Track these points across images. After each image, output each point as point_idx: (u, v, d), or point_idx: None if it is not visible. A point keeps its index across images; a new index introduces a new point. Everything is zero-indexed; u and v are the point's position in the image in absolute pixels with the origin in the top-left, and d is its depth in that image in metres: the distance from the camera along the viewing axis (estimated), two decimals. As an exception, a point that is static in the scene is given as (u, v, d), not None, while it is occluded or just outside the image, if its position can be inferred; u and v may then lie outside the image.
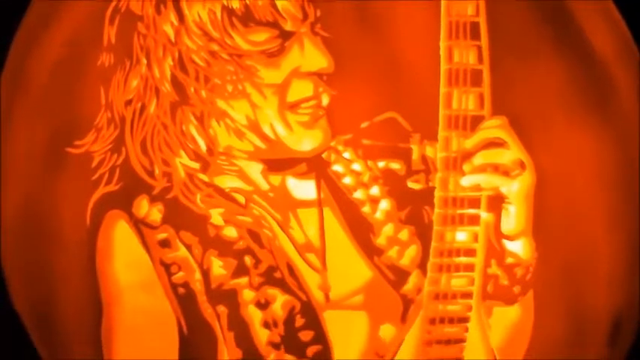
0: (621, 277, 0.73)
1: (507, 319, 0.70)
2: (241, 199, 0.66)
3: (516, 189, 0.68)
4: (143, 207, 0.66)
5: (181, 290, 0.67)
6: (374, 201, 0.67)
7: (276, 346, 0.67)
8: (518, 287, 0.69)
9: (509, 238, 0.68)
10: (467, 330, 0.69)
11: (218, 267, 0.66)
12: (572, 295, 0.71)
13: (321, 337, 0.67)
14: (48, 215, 0.69)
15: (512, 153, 0.67)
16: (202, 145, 0.66)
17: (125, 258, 0.67)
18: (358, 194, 0.67)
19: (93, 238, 0.67)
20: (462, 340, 0.69)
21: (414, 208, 0.67)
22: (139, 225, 0.66)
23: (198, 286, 0.66)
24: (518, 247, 0.69)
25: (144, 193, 0.66)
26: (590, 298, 0.72)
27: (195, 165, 0.66)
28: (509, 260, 0.69)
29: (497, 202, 0.68)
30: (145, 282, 0.66)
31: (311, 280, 0.67)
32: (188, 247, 0.66)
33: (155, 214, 0.66)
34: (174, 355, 0.68)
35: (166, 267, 0.66)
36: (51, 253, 0.69)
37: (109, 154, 0.67)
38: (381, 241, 0.67)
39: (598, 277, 0.72)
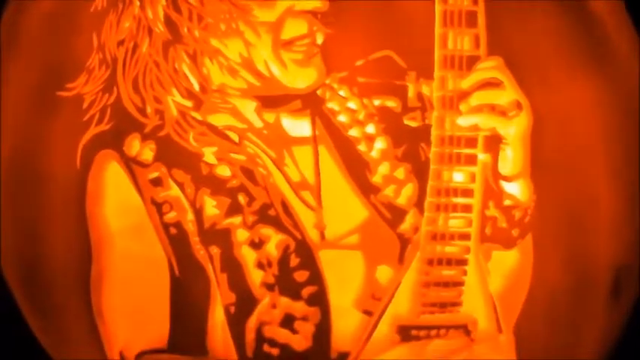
0: (622, 227, 0.68)
1: (506, 264, 0.64)
2: (235, 137, 0.61)
3: (513, 130, 0.62)
4: (135, 146, 0.61)
5: (173, 231, 0.61)
6: (369, 139, 0.61)
7: (270, 287, 0.61)
8: (517, 230, 0.63)
9: (507, 179, 0.63)
10: (465, 273, 0.63)
11: (211, 206, 0.60)
12: (572, 242, 0.65)
13: (316, 278, 0.61)
14: (39, 160, 0.64)
15: (508, 94, 0.62)
16: (195, 83, 0.61)
17: (116, 202, 0.61)
18: (354, 132, 0.61)
19: (83, 180, 0.62)
20: (460, 284, 0.63)
21: (410, 146, 0.61)
22: (131, 164, 0.61)
23: (190, 226, 0.60)
24: (516, 189, 0.63)
25: (135, 131, 0.61)
26: (590, 247, 0.66)
27: (188, 103, 0.61)
28: (507, 202, 0.63)
29: (494, 143, 0.63)
30: (136, 227, 0.61)
31: (306, 218, 0.61)
32: (180, 186, 0.61)
33: (147, 152, 0.61)
34: (165, 301, 0.61)
35: (158, 206, 0.61)
36: (41, 198, 0.64)
37: (100, 95, 0.62)
38: (377, 179, 0.61)
39: (598, 226, 0.66)
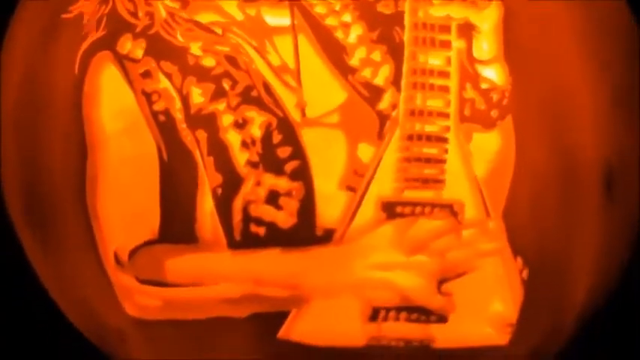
0: (607, 122, 0.62)
1: (488, 147, 0.59)
2: (219, 30, 0.58)
3: (485, 19, 0.58)
4: (127, 44, 0.59)
5: (162, 118, 0.57)
6: (346, 26, 0.58)
7: (254, 165, 0.56)
8: (496, 111, 0.58)
9: (482, 63, 0.58)
10: (446, 151, 0.57)
11: (197, 94, 0.57)
12: (554, 129, 0.60)
13: (299, 153, 0.56)
14: (44, 78, 0.61)
15: None
16: (182, -13, 0.58)
17: (111, 104, 0.58)
18: (330, 21, 0.58)
19: (80, 84, 0.58)
20: (441, 161, 0.57)
21: (385, 29, 0.58)
22: (123, 61, 0.58)
23: (178, 114, 0.56)
24: (492, 73, 0.59)
25: (128, 32, 0.59)
26: (574, 136, 0.60)
27: (175, 5, 0.58)
28: (485, 85, 0.58)
29: (467, 30, 0.58)
30: (130, 127, 0.57)
31: (287, 98, 0.57)
32: (168, 77, 0.57)
33: (138, 50, 0.59)
34: (155, 192, 0.57)
35: (147, 96, 0.58)
36: (43, 118, 0.60)
37: (97, 7, 0.59)
38: (354, 62, 0.57)
39: (580, 116, 0.61)
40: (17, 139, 0.63)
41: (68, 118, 0.60)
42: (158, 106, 0.58)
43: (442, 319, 0.59)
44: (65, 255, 0.62)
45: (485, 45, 0.59)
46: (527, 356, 0.63)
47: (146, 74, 0.58)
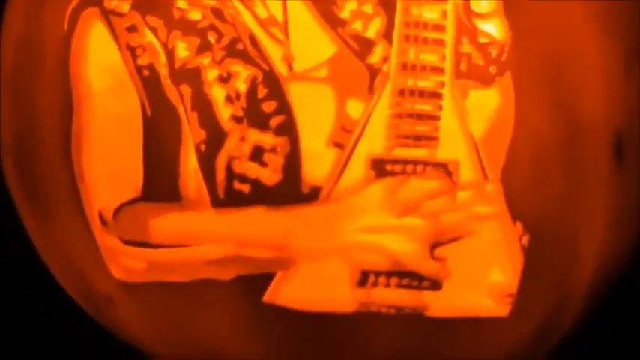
0: (616, 87, 0.57)
1: (486, 104, 0.54)
2: None
3: None
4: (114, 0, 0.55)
5: (146, 72, 0.54)
6: (336, -21, 0.54)
7: (238, 120, 0.53)
8: (494, 67, 0.54)
9: (481, 17, 0.54)
10: (440, 108, 0.53)
11: (182, 49, 0.53)
12: (559, 89, 0.56)
13: (284, 108, 0.53)
14: (36, 38, 0.58)
15: None
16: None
17: (98, 61, 0.56)
18: (321, -26, 0.54)
19: (68, 41, 0.56)
20: (435, 118, 0.53)
21: (376, -19, 0.53)
22: (109, 16, 0.55)
23: (162, 69, 0.53)
24: (491, 27, 0.54)
25: None
26: (582, 99, 0.56)
27: None
28: (483, 39, 0.54)
29: (465, -18, 0.54)
30: (115, 85, 0.54)
31: (273, 51, 0.53)
32: (153, 31, 0.55)
33: (124, 4, 0.56)
34: (138, 149, 0.54)
35: (132, 50, 0.55)
36: (35, 76, 0.58)
37: None
38: (344, 14, 0.53)
39: (589, 79, 0.57)
40: (12, 98, 0.61)
41: (56, 75, 0.57)
42: (142, 61, 0.55)
43: (435, 285, 0.54)
44: (54, 216, 0.59)
45: (484, -1, 0.55)
46: (532, 333, 0.58)
47: (131, 28, 0.56)
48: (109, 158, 0.56)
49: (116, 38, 0.56)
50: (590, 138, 0.56)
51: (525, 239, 0.55)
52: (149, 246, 0.56)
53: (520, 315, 0.56)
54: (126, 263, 0.57)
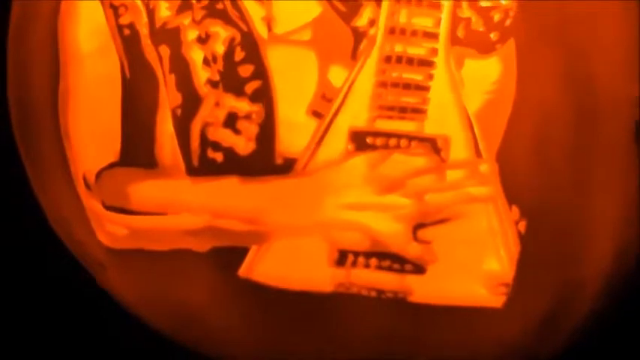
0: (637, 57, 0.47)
1: (484, 75, 0.47)
2: None
3: None
4: None
5: (127, 32, 0.50)
6: None
7: (214, 84, 0.48)
8: (496, 34, 0.46)
9: (484, -23, 0.46)
10: (431, 78, 0.46)
11: (164, 8, 0.48)
12: (571, 58, 0.47)
13: (261, 74, 0.47)
14: (32, 3, 0.54)
15: None
16: None
17: (85, 23, 0.52)
18: None
19: (58, 1, 0.51)
20: (424, 89, 0.46)
21: None
22: None
23: (143, 29, 0.48)
24: (496, -11, 0.46)
25: None
26: (598, 70, 0.47)
27: None
28: (485, 3, 0.46)
29: (469, -61, 0.46)
30: (100, 46, 0.49)
31: (254, 11, 0.48)
32: None
33: None
34: (117, 112, 0.49)
35: (115, 9, 0.50)
36: (28, 33, 0.54)
37: None
38: None
39: (607, 48, 0.48)
40: (13, 50, 0.58)
41: (46, 33, 0.54)
42: (124, 20, 0.50)
43: (419, 269, 0.48)
44: (47, 176, 0.56)
45: (490, -43, 0.47)
46: (535, 324, 0.51)
47: None
48: (91, 121, 0.52)
49: None
50: (607, 112, 0.48)
51: (522, 225, 0.48)
52: (129, 212, 0.52)
53: (518, 306, 0.49)
54: (110, 229, 0.53)
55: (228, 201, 0.49)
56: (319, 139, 0.47)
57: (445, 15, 0.47)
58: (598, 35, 0.48)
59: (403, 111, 0.47)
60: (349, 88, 0.47)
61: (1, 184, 0.68)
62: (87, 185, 0.53)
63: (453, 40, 0.47)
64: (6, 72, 0.59)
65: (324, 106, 0.47)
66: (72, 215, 0.56)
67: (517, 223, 0.48)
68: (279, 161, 0.48)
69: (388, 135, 0.47)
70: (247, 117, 0.48)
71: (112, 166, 0.52)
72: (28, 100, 0.56)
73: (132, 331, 0.59)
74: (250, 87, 0.48)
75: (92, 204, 0.53)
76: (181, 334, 0.55)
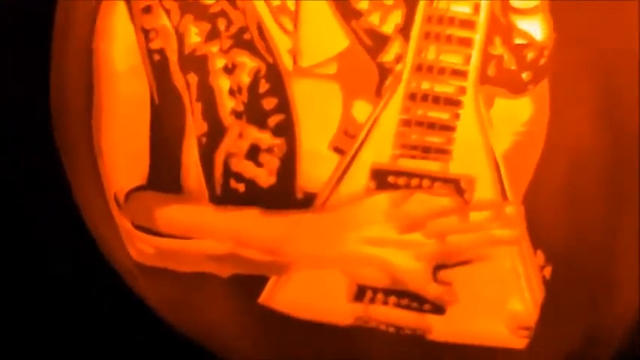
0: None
1: (514, 115, 0.45)
2: None
3: None
4: None
5: (157, 57, 0.49)
6: (359, -37, 0.45)
7: (238, 115, 0.47)
8: (529, 73, 0.43)
9: (520, 13, 0.43)
10: (458, 117, 0.44)
11: (194, 34, 0.47)
12: (607, 100, 0.44)
13: (284, 107, 0.46)
14: (70, 10, 0.54)
15: None
16: None
17: (119, 43, 0.51)
18: (343, -44, 0.45)
19: (94, 17, 0.51)
20: (450, 129, 0.44)
21: (402, -33, 0.44)
22: None
23: (173, 56, 0.47)
24: (531, 26, 0.43)
25: None
26: (631, 106, 0.43)
27: None
28: (519, 40, 0.43)
29: (506, -29, 0.43)
30: (132, 67, 0.49)
31: (281, 42, 0.46)
32: (167, 13, 0.48)
33: None
34: (145, 136, 0.49)
35: (146, 33, 0.49)
36: (66, 45, 0.54)
37: None
38: (362, 5, 0.45)
39: None
40: (55, 58, 0.57)
41: (82, 48, 0.53)
42: (154, 45, 0.49)
43: (438, 309, 0.46)
44: (84, 188, 0.56)
45: (528, -9, 0.44)
46: (561, 362, 0.49)
47: (147, 9, 0.50)
48: (122, 140, 0.51)
49: (133, 19, 0.50)
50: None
51: (548, 270, 0.46)
52: (156, 234, 0.51)
53: (541, 347, 0.47)
54: (139, 246, 0.53)
55: (249, 231, 0.48)
56: (340, 175, 0.46)
57: (476, 52, 0.44)
58: (637, 76, 0.45)
59: (427, 151, 0.45)
60: (373, 124, 0.46)
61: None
62: (118, 204, 0.53)
63: (483, 78, 0.45)
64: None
65: (346, 143, 0.46)
66: (106, 227, 0.56)
67: (542, 268, 0.46)
68: (299, 195, 0.46)
69: (410, 175, 0.45)
70: (269, 150, 0.47)
71: (139, 189, 0.51)
72: (66, 112, 0.56)
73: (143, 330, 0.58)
74: (273, 120, 0.47)
75: (123, 221, 0.53)
76: (202, 342, 0.55)
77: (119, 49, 0.51)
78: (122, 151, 0.52)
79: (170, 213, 0.51)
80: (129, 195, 0.52)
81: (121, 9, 0.51)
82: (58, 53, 0.57)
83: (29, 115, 0.68)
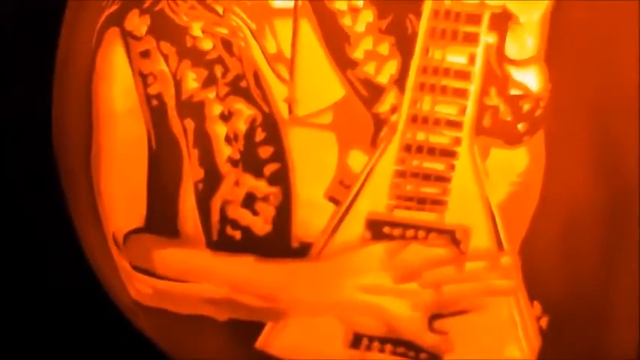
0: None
1: (510, 166, 0.44)
2: (220, 9, 0.47)
3: (528, 9, 0.42)
4: (134, 21, 0.50)
5: (154, 102, 0.48)
6: (354, 11, 0.45)
7: (234, 163, 0.46)
8: (524, 125, 0.43)
9: (516, 64, 0.42)
10: (453, 168, 0.43)
11: (191, 80, 0.47)
12: (604, 151, 0.43)
13: (280, 155, 0.45)
14: (70, 51, 0.54)
15: None
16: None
17: (115, 84, 0.51)
18: (339, 4, 0.45)
19: (93, 58, 0.51)
20: (445, 180, 0.43)
21: (396, 17, 0.43)
22: (127, 38, 0.49)
23: (171, 101, 0.47)
24: (527, 77, 0.43)
25: (136, 7, 0.49)
26: (633, 170, 0.43)
27: None
28: (515, 91, 0.43)
29: (502, 21, 0.43)
30: (130, 109, 0.48)
31: (277, 91, 0.46)
32: (165, 58, 0.48)
33: (142, 27, 0.49)
34: (143, 180, 0.48)
35: (144, 78, 0.48)
36: (67, 85, 0.54)
37: None
38: (357, 54, 0.44)
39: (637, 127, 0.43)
40: (55, 91, 0.57)
41: (81, 88, 0.53)
42: (152, 90, 0.49)
43: (435, 358, 0.46)
44: (84, 225, 0.56)
45: (524, 41, 0.43)
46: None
47: (145, 54, 0.50)
48: (121, 182, 0.51)
49: (131, 63, 0.50)
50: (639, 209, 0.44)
51: (544, 321, 0.45)
52: (154, 275, 0.51)
53: (538, 395, 0.47)
54: (137, 286, 0.53)
55: (245, 277, 0.48)
56: (336, 225, 0.46)
57: (471, 103, 0.44)
58: (633, 127, 0.44)
59: (422, 202, 0.44)
60: (368, 174, 0.45)
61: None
62: (116, 244, 0.53)
63: (479, 129, 0.44)
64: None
65: (341, 193, 0.45)
66: (106, 264, 0.56)
67: (539, 319, 0.45)
68: (295, 244, 0.46)
69: (406, 226, 0.45)
70: (265, 199, 0.46)
71: (137, 231, 0.51)
72: (67, 150, 0.55)
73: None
74: (269, 169, 0.46)
75: (122, 261, 0.53)
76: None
77: (118, 91, 0.51)
78: (120, 192, 0.52)
79: (168, 256, 0.50)
80: (127, 236, 0.52)
81: (120, 51, 0.51)
82: (59, 89, 0.56)
83: (29, 115, 0.68)
